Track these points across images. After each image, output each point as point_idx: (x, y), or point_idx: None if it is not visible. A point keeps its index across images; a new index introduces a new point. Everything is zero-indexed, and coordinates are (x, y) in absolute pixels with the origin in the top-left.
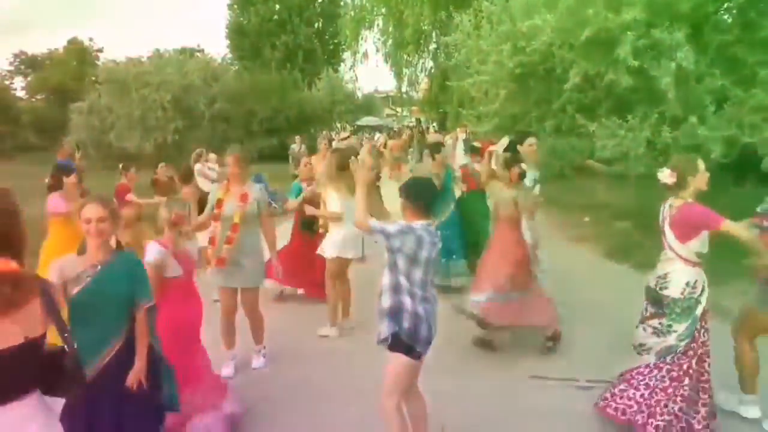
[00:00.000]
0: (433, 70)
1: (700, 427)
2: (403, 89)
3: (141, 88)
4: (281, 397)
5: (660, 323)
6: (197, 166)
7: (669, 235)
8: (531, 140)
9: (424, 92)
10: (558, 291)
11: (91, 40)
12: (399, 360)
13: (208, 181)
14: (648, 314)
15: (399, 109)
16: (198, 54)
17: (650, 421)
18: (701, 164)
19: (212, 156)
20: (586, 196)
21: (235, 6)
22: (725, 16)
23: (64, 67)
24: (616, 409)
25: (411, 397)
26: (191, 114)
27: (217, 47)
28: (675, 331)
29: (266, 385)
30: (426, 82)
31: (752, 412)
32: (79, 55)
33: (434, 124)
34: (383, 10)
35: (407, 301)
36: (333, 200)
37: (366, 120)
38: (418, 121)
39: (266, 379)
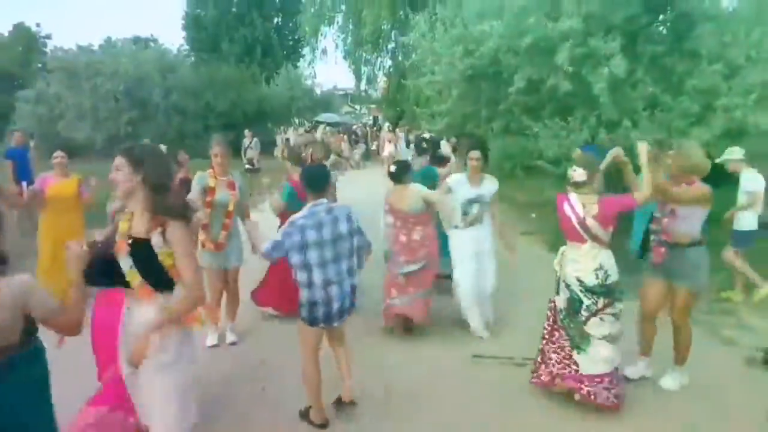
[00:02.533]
0: (391, 69)
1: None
2: (362, 87)
3: (93, 77)
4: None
5: (613, 309)
6: None
7: (594, 228)
8: (474, 153)
9: (383, 91)
10: (504, 280)
11: (38, 25)
12: (302, 326)
13: None
14: (601, 306)
15: (357, 107)
16: (152, 44)
17: (579, 385)
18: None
19: (163, 147)
20: (534, 194)
21: None
22: (660, 28)
23: (8, 52)
24: (549, 375)
25: (336, 349)
26: (145, 105)
27: (172, 38)
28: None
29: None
30: (384, 80)
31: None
32: (25, 40)
33: (387, 124)
34: (343, 7)
35: (307, 282)
36: None
37: (325, 116)
38: (375, 119)
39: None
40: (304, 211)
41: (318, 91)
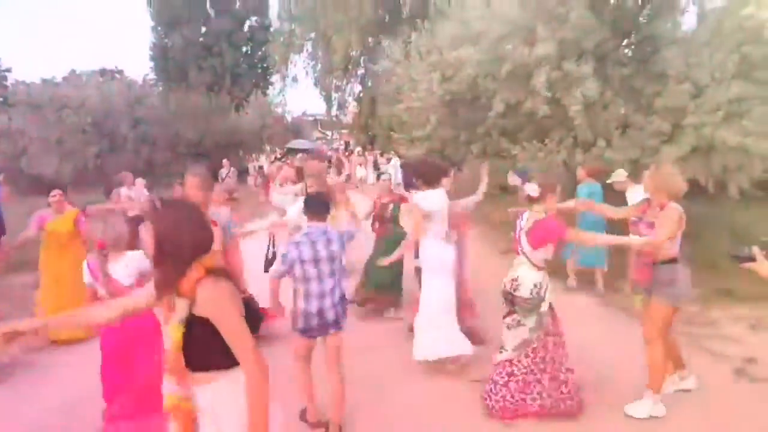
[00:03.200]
0: (361, 95)
1: (568, 400)
2: (333, 113)
3: (58, 110)
4: None
5: (512, 319)
6: (122, 191)
7: (524, 243)
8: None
9: (353, 116)
10: (488, 296)
11: None
12: (296, 337)
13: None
14: (505, 312)
15: (328, 133)
16: (118, 76)
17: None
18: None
19: (139, 180)
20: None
21: (159, 28)
22: (626, 51)
23: None
24: (500, 409)
25: (330, 371)
26: (113, 137)
27: (137, 69)
28: (524, 325)
29: None
30: (354, 105)
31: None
32: None
33: (359, 148)
34: (312, 35)
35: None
36: None
37: (296, 143)
38: (347, 143)
39: None
40: (304, 232)
41: (288, 117)
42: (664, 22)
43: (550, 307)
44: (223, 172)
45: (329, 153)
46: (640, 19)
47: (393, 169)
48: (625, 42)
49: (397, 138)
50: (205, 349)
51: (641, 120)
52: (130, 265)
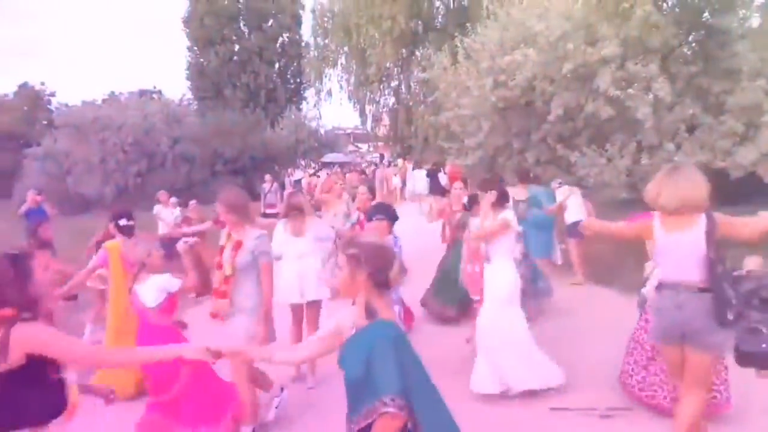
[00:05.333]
0: (395, 106)
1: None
2: (367, 126)
3: (100, 132)
4: None
5: None
6: (155, 208)
7: None
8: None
9: (388, 128)
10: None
11: (42, 84)
12: None
13: (164, 224)
14: None
15: (361, 146)
16: (156, 96)
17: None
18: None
19: (173, 200)
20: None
21: (196, 48)
22: (686, 50)
23: (14, 112)
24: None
25: None
26: (153, 156)
27: (174, 89)
28: None
29: None
30: (388, 118)
31: None
32: (30, 99)
33: (398, 160)
34: (346, 48)
35: None
36: None
37: (331, 157)
38: (381, 156)
39: None
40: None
41: (322, 131)
42: (731, 16)
43: None
44: (266, 187)
45: (363, 165)
46: (705, 14)
47: (419, 179)
48: (690, 38)
49: (447, 147)
50: None
51: (711, 120)
52: (156, 287)
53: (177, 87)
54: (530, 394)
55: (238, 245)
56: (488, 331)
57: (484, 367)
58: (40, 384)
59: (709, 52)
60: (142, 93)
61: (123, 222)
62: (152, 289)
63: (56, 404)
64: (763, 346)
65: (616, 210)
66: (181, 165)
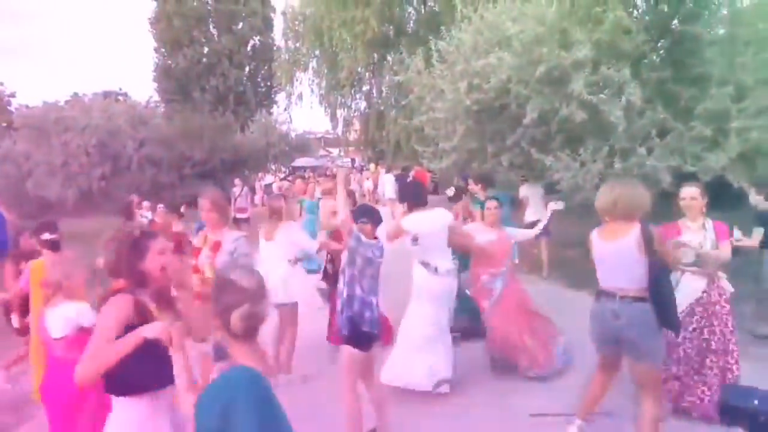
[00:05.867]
0: (367, 111)
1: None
2: (339, 130)
3: (62, 133)
4: None
5: None
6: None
7: None
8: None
9: (359, 132)
10: None
11: (1, 84)
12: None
13: None
14: None
15: (332, 150)
16: (121, 98)
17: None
18: None
19: (146, 203)
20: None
21: (163, 49)
22: (655, 57)
23: None
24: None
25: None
26: (118, 159)
27: (139, 90)
28: None
29: None
30: (360, 122)
31: None
32: None
33: (371, 164)
34: (317, 52)
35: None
36: None
37: (301, 161)
38: (353, 160)
39: None
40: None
41: (293, 135)
42: (700, 25)
43: None
44: (236, 191)
45: (335, 170)
46: (675, 20)
47: (388, 183)
48: (659, 45)
49: (421, 151)
50: None
51: (681, 126)
52: (65, 316)
53: (142, 89)
54: (510, 400)
55: (216, 246)
56: (408, 327)
57: (398, 359)
58: (149, 353)
59: (678, 59)
60: (107, 94)
61: (46, 236)
62: (59, 318)
63: (166, 373)
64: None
65: (588, 214)
66: (147, 168)
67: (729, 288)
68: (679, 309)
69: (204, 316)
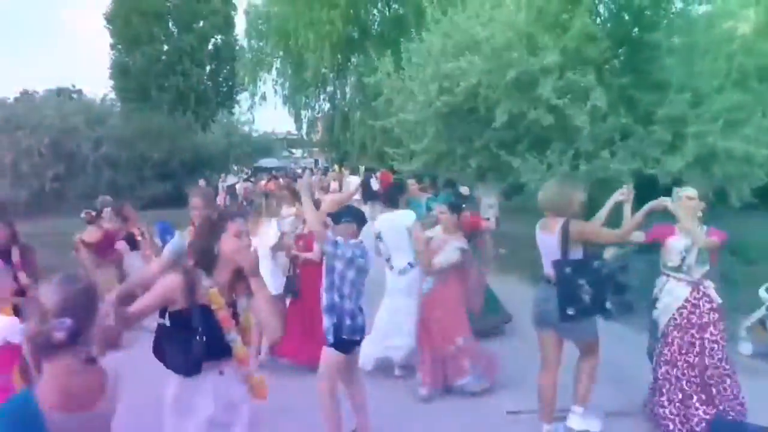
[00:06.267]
0: (331, 112)
1: None
2: (303, 131)
3: (12, 131)
4: None
5: None
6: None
7: None
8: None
9: (322, 133)
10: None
11: None
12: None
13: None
14: None
15: (295, 151)
16: (75, 96)
17: None
18: None
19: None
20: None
21: (119, 46)
22: (617, 63)
23: None
24: None
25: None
26: (72, 159)
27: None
28: None
29: None
30: (324, 123)
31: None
32: None
33: (334, 165)
34: (281, 52)
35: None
36: None
37: (264, 162)
38: (316, 161)
39: None
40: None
41: (255, 136)
42: (659, 33)
43: None
44: None
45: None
46: (635, 28)
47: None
48: (620, 51)
49: (392, 153)
50: None
51: (641, 130)
52: None
53: (97, 87)
54: (484, 397)
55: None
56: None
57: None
58: (206, 327)
59: (638, 66)
60: (60, 91)
61: None
62: None
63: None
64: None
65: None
66: (104, 169)
67: (717, 299)
68: (666, 316)
69: None
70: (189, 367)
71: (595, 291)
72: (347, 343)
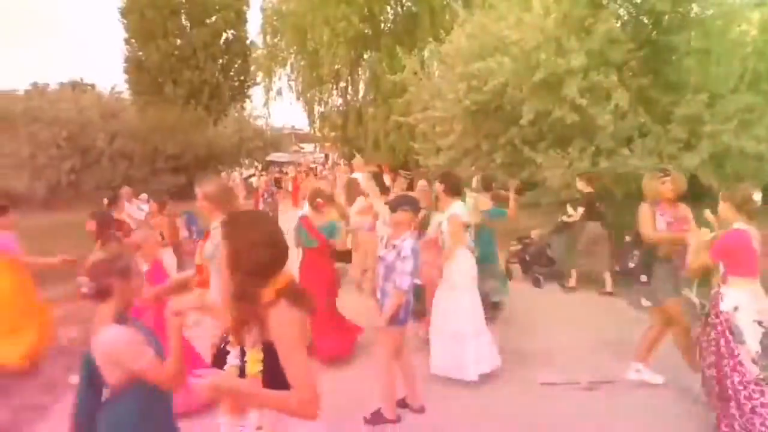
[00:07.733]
0: (344, 108)
1: None
2: (316, 126)
3: (30, 124)
4: None
5: None
6: (126, 206)
7: None
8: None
9: (332, 128)
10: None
11: None
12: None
13: (135, 222)
14: None
15: (305, 146)
16: (89, 88)
17: None
18: None
19: (143, 195)
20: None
21: (133, 40)
22: (636, 65)
23: None
24: None
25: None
26: (88, 152)
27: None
28: None
29: None
30: (336, 118)
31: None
32: None
33: (342, 160)
34: (295, 49)
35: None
36: None
37: (275, 156)
38: (326, 156)
39: None
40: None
41: (268, 130)
42: (677, 36)
43: None
44: None
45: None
46: (654, 32)
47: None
48: (640, 54)
49: (419, 148)
50: (281, 375)
51: (659, 128)
52: None
53: (110, 80)
54: (519, 372)
55: (207, 235)
56: (444, 315)
57: (439, 349)
58: None
59: (657, 67)
60: (75, 85)
61: None
62: None
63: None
64: None
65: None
66: (118, 162)
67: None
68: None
69: None
70: None
71: None
72: (398, 320)
